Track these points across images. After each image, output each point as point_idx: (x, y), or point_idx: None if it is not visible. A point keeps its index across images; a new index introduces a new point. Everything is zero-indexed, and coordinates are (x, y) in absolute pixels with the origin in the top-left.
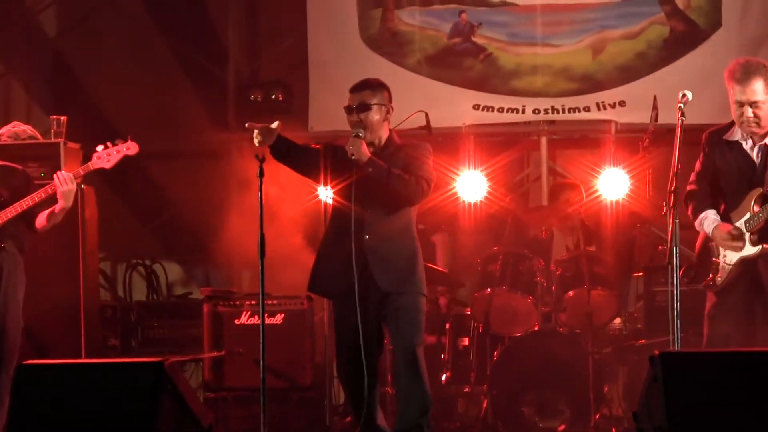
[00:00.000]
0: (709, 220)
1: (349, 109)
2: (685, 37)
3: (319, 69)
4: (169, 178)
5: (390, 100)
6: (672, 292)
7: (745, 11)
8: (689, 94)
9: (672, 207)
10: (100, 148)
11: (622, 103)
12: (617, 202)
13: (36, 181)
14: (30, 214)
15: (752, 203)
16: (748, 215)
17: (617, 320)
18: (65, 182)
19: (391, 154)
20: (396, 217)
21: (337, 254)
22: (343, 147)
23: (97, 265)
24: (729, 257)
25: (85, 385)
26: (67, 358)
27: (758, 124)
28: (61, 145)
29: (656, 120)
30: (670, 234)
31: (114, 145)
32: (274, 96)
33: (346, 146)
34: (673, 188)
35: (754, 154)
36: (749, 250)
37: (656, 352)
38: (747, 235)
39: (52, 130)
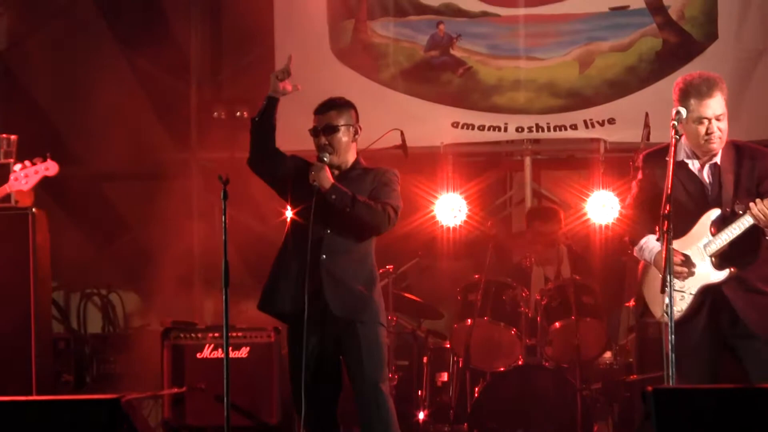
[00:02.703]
0: (649, 246)
1: (314, 131)
2: (678, 50)
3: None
4: (127, 200)
5: (357, 119)
6: (666, 323)
7: (742, 22)
8: (683, 111)
9: (665, 232)
10: (17, 167)
11: (611, 121)
12: (606, 227)
13: None
14: None
15: (709, 226)
16: (705, 239)
17: (607, 353)
18: None
19: (357, 178)
20: (356, 242)
21: (291, 272)
22: (309, 165)
23: (50, 294)
24: (688, 285)
25: (36, 423)
26: (17, 395)
27: (722, 139)
28: (11, 165)
29: (648, 138)
30: (663, 261)
31: (32, 164)
32: (239, 113)
33: (309, 171)
34: (666, 212)
35: (705, 175)
36: (715, 275)
37: (649, 387)
38: (708, 260)
39: (2, 150)
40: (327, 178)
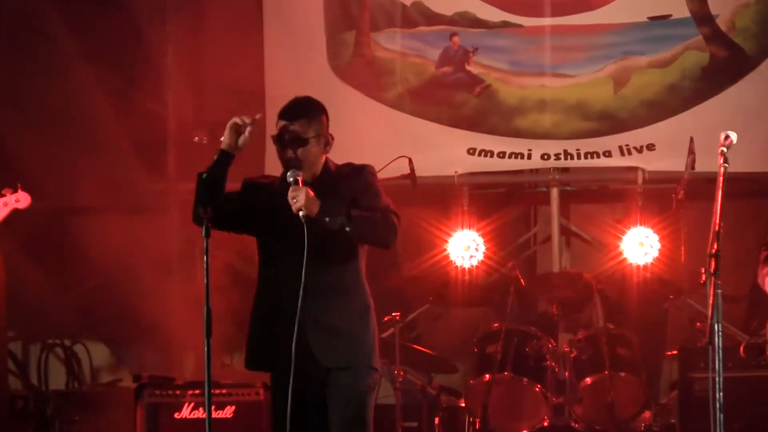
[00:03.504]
0: None
1: (279, 141)
2: (727, 66)
3: (278, 104)
4: (94, 238)
5: (328, 125)
6: (714, 378)
7: None
8: (733, 136)
9: (713, 274)
10: None
11: (650, 147)
12: (645, 268)
13: None
14: None
15: None
16: None
17: (646, 413)
18: None
19: (330, 189)
20: (342, 273)
21: (271, 323)
22: (268, 186)
23: (6, 345)
24: None
25: None
26: None
27: None
28: None
29: (693, 167)
30: (710, 307)
31: (1, 195)
32: (222, 137)
33: (289, 198)
34: (713, 251)
35: None
36: None
37: None
38: None
39: None
40: (312, 200)
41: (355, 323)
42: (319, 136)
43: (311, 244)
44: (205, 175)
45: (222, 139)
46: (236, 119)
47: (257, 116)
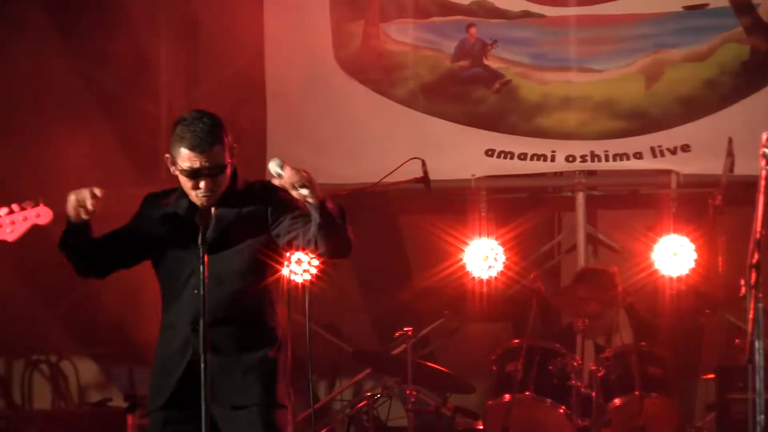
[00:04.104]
0: None
1: (192, 173)
2: None
3: (280, 102)
4: None
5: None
6: (754, 400)
7: None
8: None
9: (753, 286)
10: (3, 211)
11: (685, 148)
12: (679, 279)
13: None
14: None
15: None
16: None
17: None
18: None
19: (249, 201)
20: (249, 292)
21: (167, 356)
22: (161, 209)
23: None
24: None
25: None
26: None
27: None
28: None
29: (731, 170)
30: (750, 322)
31: (21, 209)
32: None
33: (293, 181)
34: (754, 261)
35: None
36: None
37: None
38: None
39: None
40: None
41: (262, 355)
42: (231, 159)
43: (193, 259)
44: (61, 247)
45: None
46: (73, 197)
47: (98, 192)
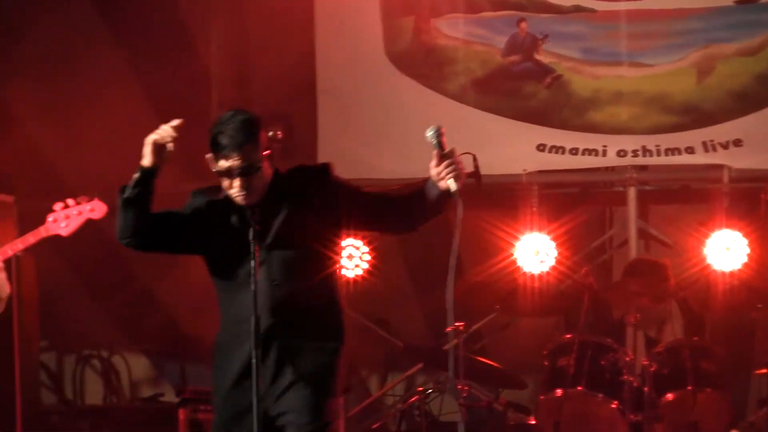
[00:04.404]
0: None
1: (225, 172)
2: None
3: (331, 97)
4: None
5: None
6: None
7: None
8: None
9: None
10: (58, 206)
11: (737, 143)
12: (732, 275)
13: None
14: None
15: None
16: None
17: None
18: None
19: (303, 189)
20: (321, 283)
21: (230, 363)
22: (217, 204)
23: (38, 357)
24: None
25: None
26: None
27: None
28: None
29: None
30: None
31: (76, 203)
32: (271, 133)
33: (445, 165)
34: None
35: None
36: None
37: None
38: None
39: None
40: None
41: (332, 350)
42: (267, 157)
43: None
44: (128, 195)
45: (143, 158)
46: (155, 136)
47: (176, 123)
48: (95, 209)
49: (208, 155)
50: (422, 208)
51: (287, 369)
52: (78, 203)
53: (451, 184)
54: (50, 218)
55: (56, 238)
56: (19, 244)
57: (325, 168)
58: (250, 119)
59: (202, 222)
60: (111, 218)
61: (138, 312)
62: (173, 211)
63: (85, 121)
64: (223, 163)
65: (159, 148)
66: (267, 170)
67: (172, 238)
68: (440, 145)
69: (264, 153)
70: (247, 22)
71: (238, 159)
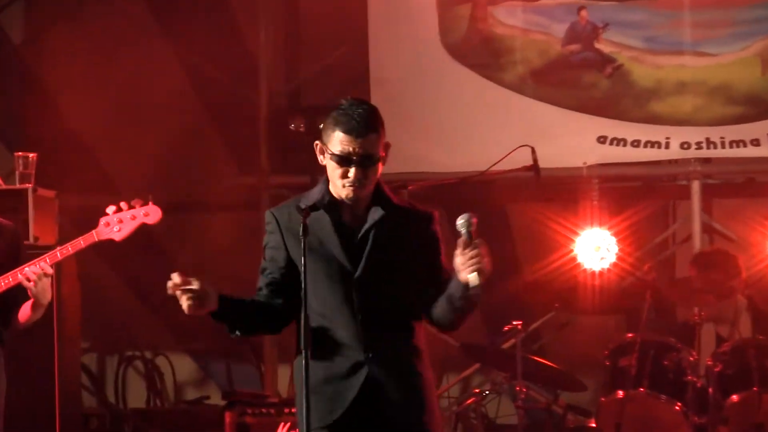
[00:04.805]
0: None
1: (344, 158)
2: None
3: (384, 88)
4: (179, 238)
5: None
6: None
7: None
8: None
9: None
10: (111, 209)
11: None
12: None
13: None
14: (9, 300)
15: None
16: None
17: None
18: (32, 280)
19: (397, 225)
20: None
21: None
22: (299, 215)
23: (79, 358)
24: None
25: None
26: None
27: None
28: (29, 191)
29: None
30: None
31: (130, 207)
32: (321, 126)
33: (467, 258)
34: None
35: None
36: None
37: None
38: None
39: (17, 172)
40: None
41: (422, 375)
42: (384, 152)
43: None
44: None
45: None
46: (176, 290)
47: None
48: (150, 213)
49: (317, 143)
50: (452, 311)
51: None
52: (132, 207)
53: (472, 278)
54: (102, 222)
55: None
56: (69, 248)
57: (433, 214)
58: (375, 110)
59: (297, 243)
60: (164, 220)
61: (182, 311)
62: (271, 269)
63: (130, 114)
64: (345, 148)
65: (196, 300)
66: (379, 171)
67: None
68: (470, 235)
69: (382, 152)
70: (297, 10)
71: (360, 147)
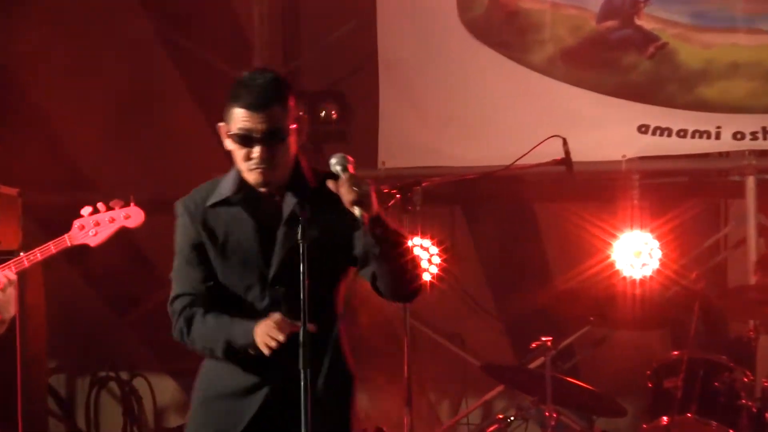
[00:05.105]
0: None
1: (245, 137)
2: None
3: (395, 72)
4: (162, 242)
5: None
6: None
7: None
8: None
9: None
10: (86, 211)
11: None
12: None
13: None
14: None
15: None
16: None
17: None
18: None
19: (319, 200)
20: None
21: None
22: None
23: (45, 380)
24: None
25: None
26: None
27: None
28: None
29: None
30: None
31: (108, 208)
32: (323, 113)
33: (347, 189)
34: None
35: None
36: None
37: None
38: None
39: None
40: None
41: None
42: (296, 126)
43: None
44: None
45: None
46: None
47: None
48: (131, 216)
49: (220, 124)
50: (380, 266)
51: None
52: (110, 208)
53: (357, 210)
54: (76, 225)
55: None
56: (38, 254)
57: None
58: (279, 78)
59: (215, 240)
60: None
61: (163, 324)
62: (205, 278)
63: (106, 101)
64: (245, 125)
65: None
66: (292, 148)
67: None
68: (346, 170)
69: (292, 125)
70: None
71: (263, 122)
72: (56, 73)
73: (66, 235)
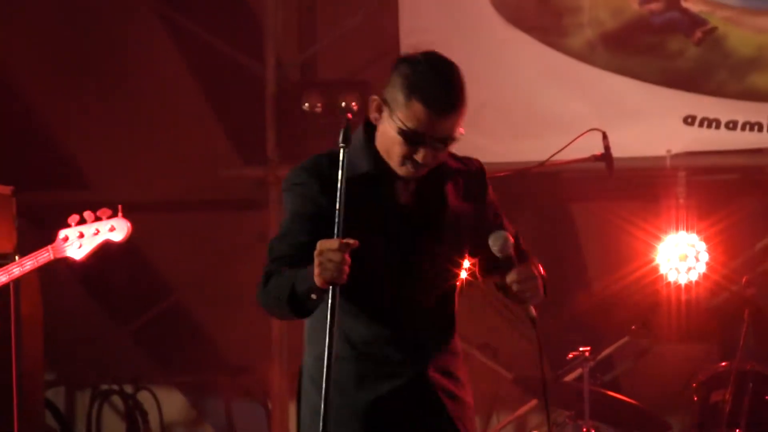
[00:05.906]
0: None
1: (417, 137)
2: None
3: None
4: (167, 243)
5: None
6: None
7: None
8: None
9: None
10: (73, 220)
11: None
12: None
13: None
14: None
15: None
16: None
17: None
18: None
19: (440, 185)
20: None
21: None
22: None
23: (42, 394)
24: None
25: None
26: None
27: None
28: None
29: None
30: None
31: (96, 218)
32: (343, 103)
33: (518, 282)
34: None
35: None
36: None
37: None
38: None
39: None
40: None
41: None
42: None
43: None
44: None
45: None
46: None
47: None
48: (116, 228)
49: (375, 97)
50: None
51: None
52: (98, 218)
53: (528, 312)
54: (61, 236)
55: None
56: (26, 265)
57: (481, 165)
58: (461, 84)
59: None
60: (139, 214)
61: (170, 334)
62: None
63: (105, 93)
64: (422, 127)
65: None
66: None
67: None
68: (509, 259)
69: (461, 129)
70: None
71: (442, 129)
72: (52, 64)
73: (50, 247)
